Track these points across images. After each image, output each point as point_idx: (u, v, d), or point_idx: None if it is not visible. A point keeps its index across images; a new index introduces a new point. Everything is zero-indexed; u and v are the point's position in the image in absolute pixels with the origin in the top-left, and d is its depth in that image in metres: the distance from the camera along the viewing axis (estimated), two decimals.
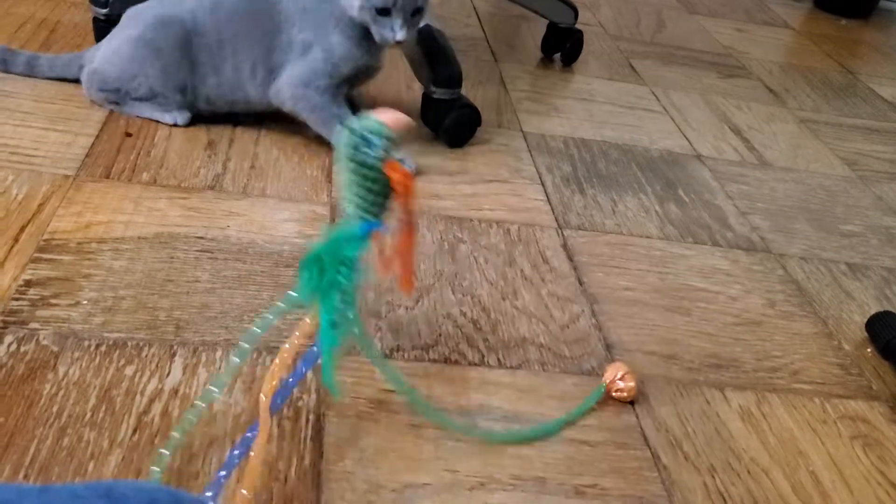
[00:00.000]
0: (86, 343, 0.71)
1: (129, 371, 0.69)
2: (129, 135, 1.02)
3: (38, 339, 0.70)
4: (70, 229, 0.84)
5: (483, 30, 1.65)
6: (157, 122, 1.06)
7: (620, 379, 0.76)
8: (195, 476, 0.61)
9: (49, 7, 1.35)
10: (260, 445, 0.59)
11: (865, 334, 0.94)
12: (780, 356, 0.88)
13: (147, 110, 1.06)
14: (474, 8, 1.76)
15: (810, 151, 1.41)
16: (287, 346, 0.63)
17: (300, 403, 0.69)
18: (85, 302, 0.75)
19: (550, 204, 1.08)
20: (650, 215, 1.10)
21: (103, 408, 0.65)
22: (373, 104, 1.17)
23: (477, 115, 1.17)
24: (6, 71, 1.10)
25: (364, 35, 1.01)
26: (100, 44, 1.08)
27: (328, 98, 1.03)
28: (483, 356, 0.79)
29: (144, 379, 0.68)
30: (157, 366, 0.70)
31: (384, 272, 0.66)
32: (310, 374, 0.71)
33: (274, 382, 0.61)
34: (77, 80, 1.08)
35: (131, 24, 1.05)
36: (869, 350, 0.92)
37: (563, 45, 1.54)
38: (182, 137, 1.04)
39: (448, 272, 0.90)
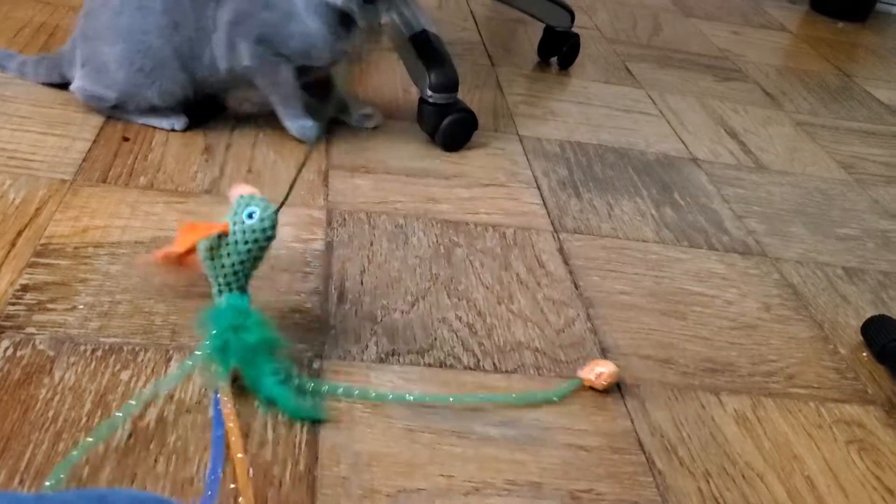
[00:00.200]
0: (82, 348, 0.71)
1: (124, 376, 0.69)
2: (126, 139, 1.02)
3: (34, 344, 0.70)
4: (67, 234, 0.84)
5: (480, 33, 1.65)
6: (155, 127, 1.06)
7: (598, 373, 0.77)
8: (189, 482, 0.61)
9: (48, 11, 1.35)
10: (234, 435, 0.60)
11: (861, 338, 0.94)
12: (776, 360, 0.88)
13: (144, 117, 1.06)
14: (471, 11, 1.76)
15: (807, 155, 1.41)
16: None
17: None
18: (81, 306, 0.75)
19: (546, 208, 1.08)
20: (646, 219, 1.10)
21: (99, 412, 0.65)
22: (367, 98, 1.18)
23: (473, 118, 1.17)
24: (3, 69, 1.10)
25: (339, 21, 1.02)
26: (79, 47, 1.04)
27: (286, 64, 1.05)
28: (478, 360, 0.79)
29: (140, 383, 0.69)
30: (152, 370, 0.70)
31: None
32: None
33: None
34: (62, 84, 1.08)
35: (108, 34, 1.01)
36: (865, 354, 0.92)
37: (560, 49, 1.54)
38: (179, 142, 1.04)
39: (444, 276, 0.90)
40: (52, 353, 0.70)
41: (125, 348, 0.72)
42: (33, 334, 0.71)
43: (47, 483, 0.58)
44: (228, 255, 0.69)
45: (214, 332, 0.67)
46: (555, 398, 0.75)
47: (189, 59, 1.01)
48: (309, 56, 1.04)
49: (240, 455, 0.62)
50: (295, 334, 0.77)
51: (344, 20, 1.01)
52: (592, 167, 1.21)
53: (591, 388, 0.78)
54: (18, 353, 0.69)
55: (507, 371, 0.78)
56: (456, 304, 0.86)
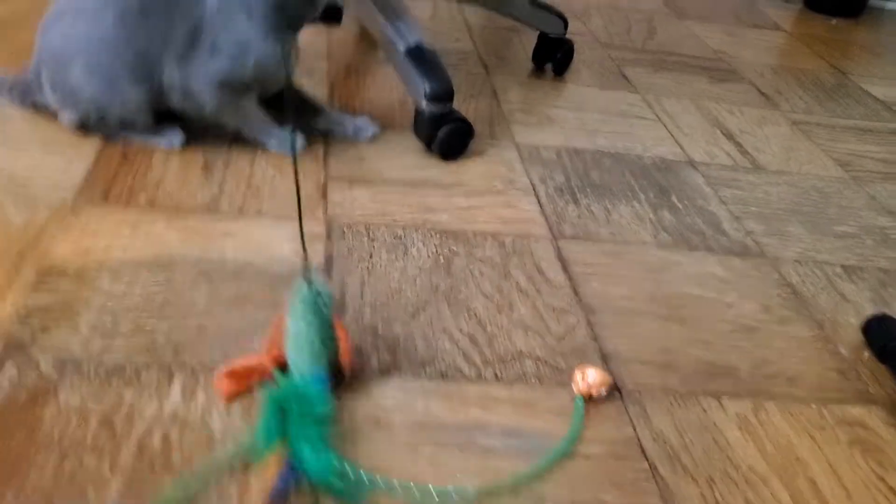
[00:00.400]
0: (85, 368, 0.71)
1: (128, 395, 0.69)
2: (125, 158, 1.03)
3: (38, 366, 0.71)
4: (69, 255, 0.85)
5: (474, 42, 1.66)
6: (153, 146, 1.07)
7: (589, 383, 0.77)
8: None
9: None
10: None
11: (862, 337, 0.94)
12: (777, 362, 0.88)
13: (140, 136, 1.06)
14: (465, 20, 1.77)
15: (803, 153, 1.41)
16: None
17: None
18: (84, 327, 0.76)
19: (545, 214, 1.08)
20: (644, 223, 1.10)
21: (104, 433, 0.66)
22: (364, 110, 1.19)
23: (469, 127, 1.17)
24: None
25: (279, 23, 1.03)
26: (43, 70, 1.03)
27: (247, 97, 1.06)
28: (480, 371, 0.79)
29: (144, 403, 0.69)
30: (156, 389, 0.71)
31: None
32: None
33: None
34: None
35: (65, 53, 1.01)
36: (866, 353, 0.92)
37: (554, 56, 1.55)
38: (178, 160, 1.05)
39: (444, 286, 0.91)
40: (56, 375, 0.70)
41: (128, 368, 0.72)
42: (38, 356, 0.72)
43: None
44: (292, 345, 0.71)
45: (271, 398, 0.68)
46: (574, 435, 0.74)
47: (143, 75, 1.01)
48: (268, 77, 1.05)
49: None
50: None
51: (284, 22, 1.03)
52: (589, 173, 1.21)
53: (591, 398, 0.78)
54: (23, 376, 0.69)
55: (508, 381, 0.79)
56: (456, 315, 0.87)
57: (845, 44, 2.13)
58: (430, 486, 0.65)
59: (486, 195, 1.10)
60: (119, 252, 0.87)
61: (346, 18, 1.58)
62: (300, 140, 1.12)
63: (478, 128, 1.20)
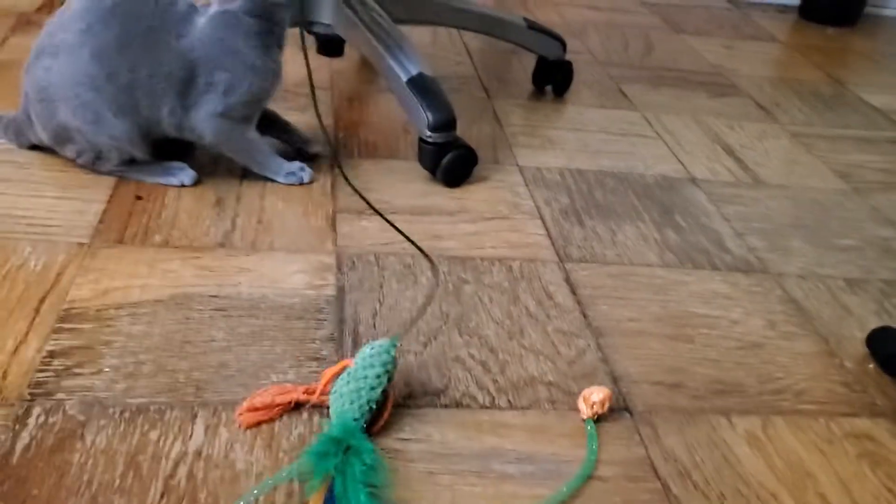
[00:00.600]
0: (110, 410, 0.73)
1: (153, 435, 0.71)
2: (139, 198, 1.05)
3: (64, 410, 0.73)
4: (88, 297, 0.87)
5: (474, 66, 1.69)
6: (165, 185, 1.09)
7: (592, 403, 0.79)
8: None
9: None
10: None
11: (867, 350, 0.96)
12: (783, 378, 0.90)
13: (151, 175, 1.09)
14: (465, 45, 1.80)
15: (803, 166, 1.43)
16: None
17: None
18: (107, 369, 0.78)
19: (551, 238, 1.10)
20: (649, 243, 1.12)
21: (131, 474, 0.68)
22: (369, 139, 1.21)
23: (472, 154, 1.20)
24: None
25: (270, 42, 1.07)
26: (32, 111, 1.06)
27: (248, 127, 1.09)
28: (493, 398, 0.81)
29: (168, 442, 0.71)
30: (179, 428, 0.73)
31: None
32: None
33: None
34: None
35: (48, 93, 1.02)
36: (871, 366, 0.94)
37: (554, 77, 1.57)
38: (191, 197, 1.07)
39: (454, 314, 0.93)
40: (82, 418, 0.72)
41: (152, 408, 0.74)
42: (63, 400, 0.74)
43: None
44: (348, 382, 0.74)
45: (320, 440, 0.70)
46: (592, 457, 0.75)
47: (130, 109, 1.02)
48: (266, 95, 1.09)
49: None
50: (311, 383, 0.79)
51: (275, 38, 1.07)
52: (593, 193, 1.23)
53: (599, 417, 0.80)
54: (50, 420, 0.72)
55: (522, 407, 0.81)
56: (468, 342, 0.89)
57: (842, 53, 2.15)
58: None
59: (493, 220, 1.12)
60: (137, 292, 0.89)
61: (347, 50, 1.60)
62: (308, 172, 1.14)
63: (481, 153, 1.23)
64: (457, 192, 1.19)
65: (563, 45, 1.55)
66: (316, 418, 0.76)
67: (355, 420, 0.72)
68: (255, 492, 0.67)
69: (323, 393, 0.75)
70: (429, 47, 1.75)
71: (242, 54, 1.04)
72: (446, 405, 0.79)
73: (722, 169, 1.38)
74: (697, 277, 1.06)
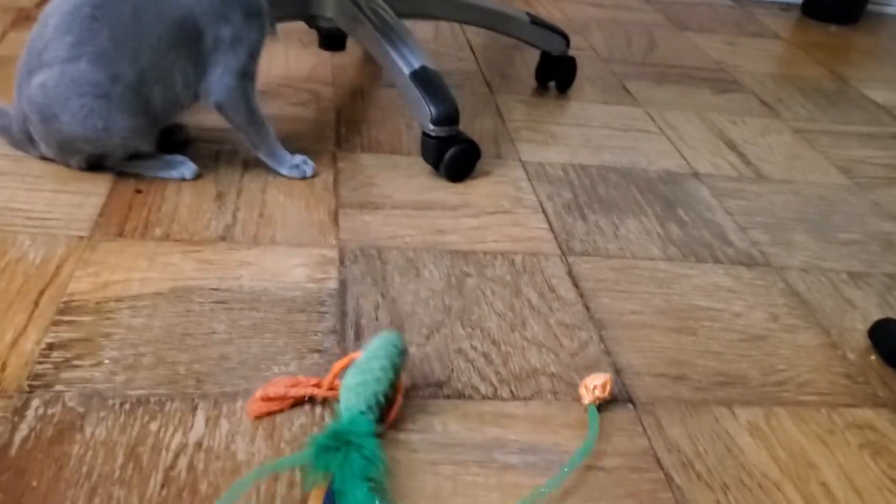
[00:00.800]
0: (110, 402, 0.73)
1: (153, 427, 0.71)
2: (139, 192, 1.05)
3: (63, 401, 0.73)
4: (88, 290, 0.87)
5: (477, 62, 1.68)
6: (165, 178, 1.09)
7: (593, 388, 0.79)
8: None
9: None
10: None
11: (869, 342, 0.96)
12: (786, 369, 0.90)
13: (151, 169, 1.08)
14: (467, 40, 1.80)
15: (806, 161, 1.43)
16: None
17: None
18: (107, 361, 0.78)
19: (553, 232, 1.10)
20: (652, 237, 1.12)
21: (131, 465, 0.67)
22: (370, 134, 1.21)
23: (475, 148, 1.19)
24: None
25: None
26: (30, 126, 1.04)
27: (255, 88, 1.08)
28: (496, 389, 0.81)
29: (169, 434, 0.71)
30: (180, 420, 0.72)
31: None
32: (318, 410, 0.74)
33: None
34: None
35: (47, 110, 1.00)
36: (873, 357, 0.94)
37: (557, 73, 1.57)
38: (191, 191, 1.07)
39: (457, 307, 0.92)
40: (81, 410, 0.72)
41: (152, 400, 0.74)
42: (62, 392, 0.74)
43: None
44: (354, 375, 0.73)
45: (324, 433, 0.69)
46: (594, 434, 0.75)
47: (137, 107, 1.01)
48: (264, 40, 1.08)
49: None
50: (317, 376, 0.79)
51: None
52: (596, 188, 1.23)
53: (601, 402, 0.80)
54: (49, 412, 0.71)
55: (524, 398, 0.80)
56: (470, 335, 0.88)
57: (844, 50, 2.15)
58: None
59: (495, 215, 1.12)
60: (137, 285, 0.89)
61: (349, 44, 1.60)
62: (310, 166, 1.14)
63: (484, 147, 1.22)
64: (459, 186, 1.18)
65: (567, 40, 1.55)
66: (318, 410, 0.75)
67: (362, 413, 0.72)
68: (253, 477, 0.67)
69: (331, 387, 0.75)
70: (431, 42, 1.75)
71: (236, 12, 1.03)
72: (449, 396, 0.79)
73: (725, 164, 1.37)
74: (700, 271, 1.06)
